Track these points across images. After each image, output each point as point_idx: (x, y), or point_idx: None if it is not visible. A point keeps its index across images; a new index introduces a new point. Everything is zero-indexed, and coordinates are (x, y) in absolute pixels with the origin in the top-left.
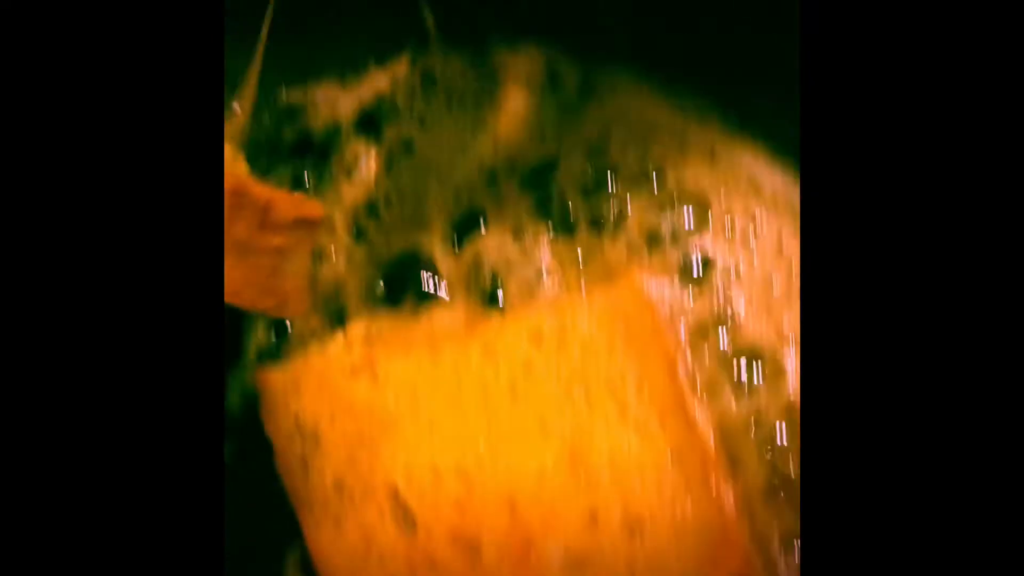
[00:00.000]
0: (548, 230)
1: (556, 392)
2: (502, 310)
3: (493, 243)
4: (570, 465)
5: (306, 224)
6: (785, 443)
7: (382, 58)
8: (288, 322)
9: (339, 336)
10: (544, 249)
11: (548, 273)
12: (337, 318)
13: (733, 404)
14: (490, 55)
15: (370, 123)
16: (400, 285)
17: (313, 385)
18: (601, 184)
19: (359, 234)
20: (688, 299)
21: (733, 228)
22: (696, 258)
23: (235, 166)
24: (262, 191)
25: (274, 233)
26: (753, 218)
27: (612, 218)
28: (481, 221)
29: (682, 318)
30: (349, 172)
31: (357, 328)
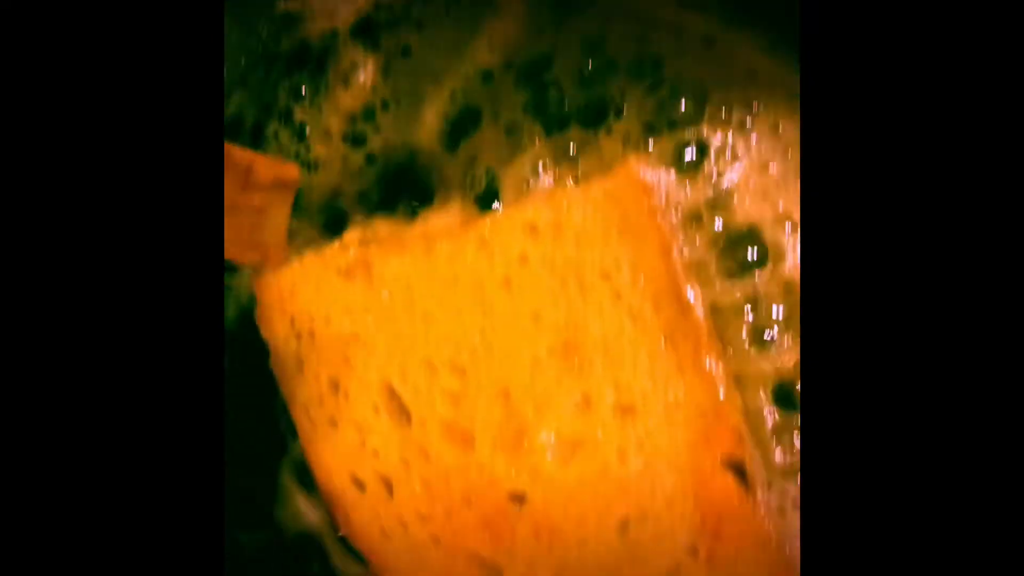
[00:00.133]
0: (544, 126)
1: (551, 283)
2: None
3: (489, 142)
4: (564, 354)
5: (283, 184)
6: (781, 325)
7: None
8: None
9: (335, 241)
10: (540, 144)
11: (544, 169)
12: (334, 225)
13: (729, 288)
14: None
15: (367, 30)
16: (396, 190)
17: (309, 288)
18: (598, 78)
19: (356, 141)
20: (684, 186)
21: (730, 117)
22: (692, 146)
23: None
24: (244, 155)
25: (255, 193)
26: (750, 107)
27: (610, 111)
28: (477, 120)
29: (678, 204)
30: (346, 80)
31: (353, 233)
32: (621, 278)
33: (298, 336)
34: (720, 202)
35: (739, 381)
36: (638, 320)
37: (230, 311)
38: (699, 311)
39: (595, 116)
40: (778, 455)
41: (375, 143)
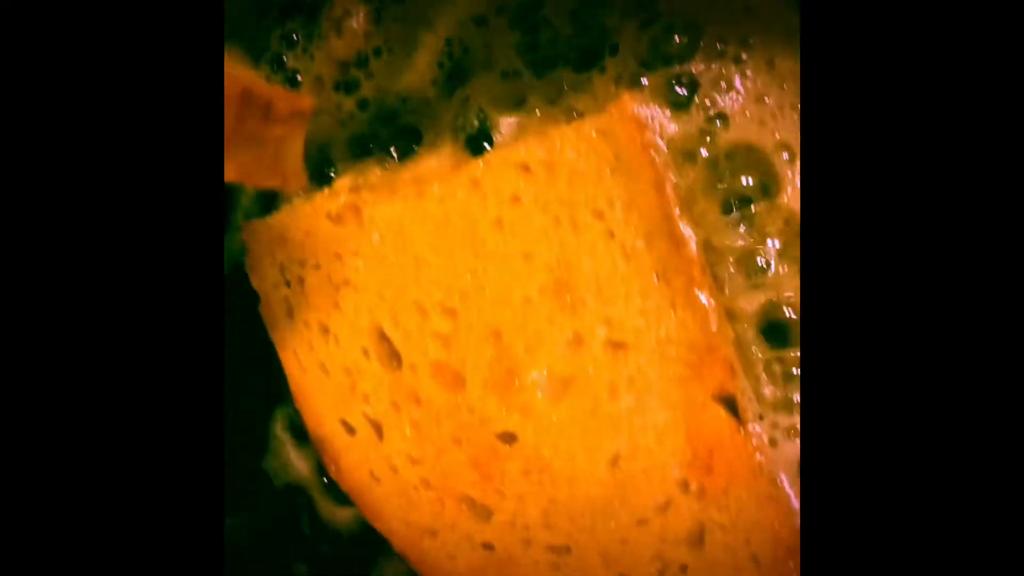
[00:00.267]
0: (537, 66)
1: (543, 222)
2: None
3: (482, 85)
4: (555, 292)
5: (300, 115)
6: (778, 260)
7: None
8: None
9: (326, 188)
10: (533, 86)
11: (538, 109)
12: (325, 173)
13: (722, 222)
14: None
15: None
16: (388, 136)
17: (299, 233)
18: (592, 16)
19: (348, 88)
20: (678, 122)
21: (726, 51)
22: (687, 82)
23: (244, 71)
24: (264, 90)
25: (276, 125)
26: (746, 41)
27: (605, 49)
28: (470, 65)
29: (671, 140)
30: (339, 28)
31: (344, 179)
32: (614, 215)
33: (288, 283)
34: (714, 137)
35: (731, 315)
36: (631, 257)
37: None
38: (692, 246)
39: (589, 55)
40: (769, 388)
41: (367, 90)
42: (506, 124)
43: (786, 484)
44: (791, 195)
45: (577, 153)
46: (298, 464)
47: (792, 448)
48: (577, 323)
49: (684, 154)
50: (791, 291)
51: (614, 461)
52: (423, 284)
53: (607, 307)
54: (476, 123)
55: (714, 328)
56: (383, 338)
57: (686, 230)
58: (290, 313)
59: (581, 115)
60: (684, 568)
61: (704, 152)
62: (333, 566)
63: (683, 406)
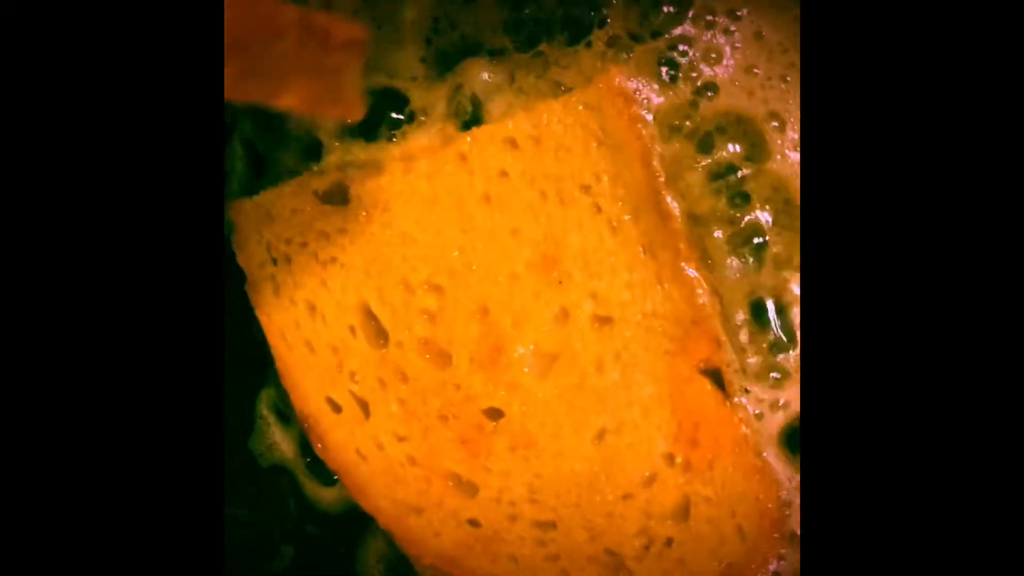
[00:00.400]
0: (525, 41)
1: (531, 197)
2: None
3: (471, 64)
4: (543, 267)
5: (356, 43)
6: (766, 232)
7: None
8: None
9: (313, 167)
10: (521, 61)
11: (526, 85)
12: (313, 152)
13: (709, 195)
14: None
15: None
16: (377, 117)
17: (286, 211)
18: None
19: None
20: (665, 94)
21: (714, 22)
22: (675, 54)
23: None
24: (321, 18)
25: (333, 54)
26: (734, 13)
27: (593, 22)
28: (458, 43)
29: (658, 112)
30: (328, 5)
31: (331, 157)
32: (601, 189)
33: (274, 261)
34: (702, 109)
35: (718, 286)
36: (617, 231)
37: None
38: (679, 219)
39: (577, 28)
40: (755, 360)
41: None
42: (496, 104)
43: (770, 456)
44: (779, 167)
45: (564, 127)
46: (283, 445)
47: (776, 421)
48: (564, 298)
49: (671, 127)
50: (778, 262)
51: (600, 436)
52: (410, 261)
53: (593, 281)
54: (466, 103)
55: (700, 301)
56: (370, 315)
57: (672, 203)
58: (277, 291)
59: (568, 89)
60: (670, 541)
61: (691, 124)
62: (319, 546)
63: (669, 380)
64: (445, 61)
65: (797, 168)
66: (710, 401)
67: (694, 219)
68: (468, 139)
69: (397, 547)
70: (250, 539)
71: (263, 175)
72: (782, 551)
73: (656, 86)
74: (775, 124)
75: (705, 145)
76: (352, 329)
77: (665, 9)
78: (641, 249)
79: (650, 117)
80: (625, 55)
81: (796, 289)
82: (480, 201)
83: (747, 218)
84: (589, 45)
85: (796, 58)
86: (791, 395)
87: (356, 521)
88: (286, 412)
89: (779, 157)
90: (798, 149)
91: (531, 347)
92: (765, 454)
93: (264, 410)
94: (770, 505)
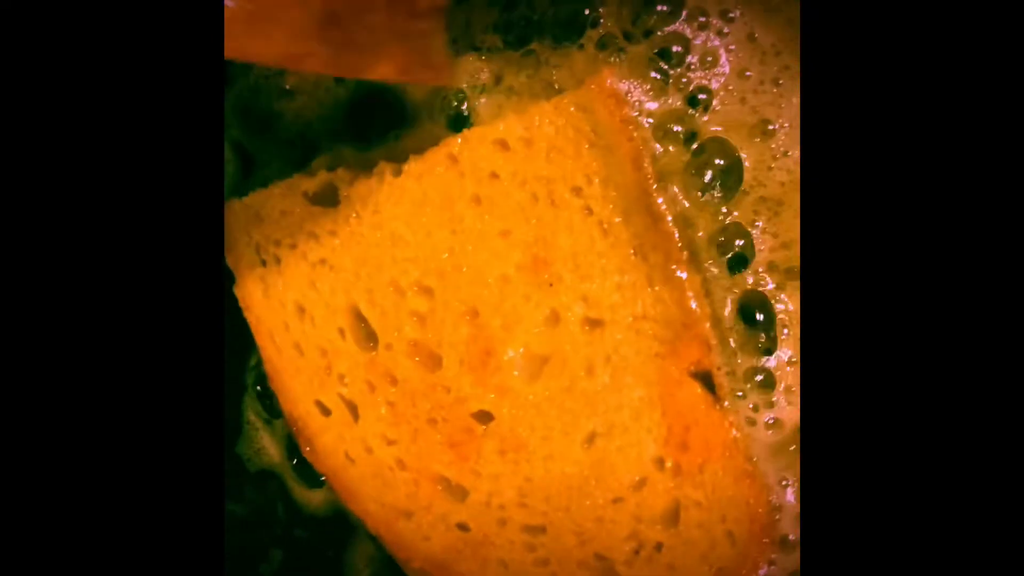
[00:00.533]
0: (516, 42)
1: (521, 198)
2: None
3: (462, 64)
4: (533, 269)
5: (439, 9)
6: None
7: None
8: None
9: (304, 170)
10: (512, 62)
11: (516, 87)
12: (304, 154)
13: (701, 197)
14: None
15: None
16: (367, 117)
17: (275, 213)
18: None
19: None
20: (657, 96)
21: (707, 23)
22: (667, 56)
23: None
24: None
25: (420, 20)
26: (727, 15)
27: (586, 23)
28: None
29: (650, 114)
30: None
31: (321, 159)
32: (592, 191)
33: (263, 262)
34: (694, 112)
35: (709, 289)
36: (608, 233)
37: None
38: (669, 221)
39: (569, 29)
40: (746, 364)
41: None
42: (486, 105)
43: (761, 460)
44: (771, 170)
45: (555, 129)
46: (271, 449)
47: (767, 425)
48: (554, 300)
49: (663, 129)
50: (769, 266)
51: (590, 439)
52: (400, 263)
53: (584, 284)
54: (455, 104)
55: (691, 304)
56: (359, 318)
57: (664, 205)
58: (266, 293)
59: (560, 90)
60: (659, 546)
61: (683, 126)
62: (308, 550)
63: (659, 383)
64: None
65: (789, 171)
66: (700, 404)
67: (685, 221)
68: (459, 140)
69: (385, 551)
70: (239, 543)
71: (252, 176)
72: (772, 556)
73: (648, 88)
74: (767, 127)
75: (697, 147)
76: (341, 331)
77: (659, 8)
78: (632, 251)
79: (642, 119)
80: (617, 56)
81: (787, 292)
82: (470, 203)
83: (738, 221)
84: (581, 47)
85: (789, 61)
86: (781, 399)
87: (344, 525)
88: (274, 416)
89: (771, 160)
90: (790, 152)
91: (521, 350)
92: (755, 458)
93: (251, 414)
94: (760, 510)
